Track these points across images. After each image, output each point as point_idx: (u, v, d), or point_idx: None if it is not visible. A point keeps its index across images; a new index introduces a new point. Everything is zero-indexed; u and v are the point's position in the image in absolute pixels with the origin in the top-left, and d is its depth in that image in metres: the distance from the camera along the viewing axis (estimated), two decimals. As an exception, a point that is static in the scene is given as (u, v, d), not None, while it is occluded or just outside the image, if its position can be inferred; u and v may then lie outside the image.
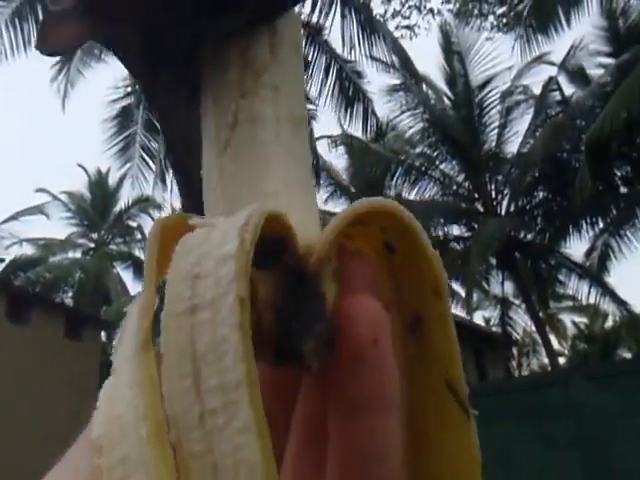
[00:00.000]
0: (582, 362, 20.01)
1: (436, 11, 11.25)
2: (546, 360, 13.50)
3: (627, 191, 10.96)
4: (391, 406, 0.20)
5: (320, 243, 0.22)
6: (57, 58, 8.37)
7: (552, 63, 11.69)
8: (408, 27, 11.04)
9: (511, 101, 11.63)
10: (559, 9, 9.83)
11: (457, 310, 13.26)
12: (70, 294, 16.15)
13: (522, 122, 11.56)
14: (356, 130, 9.93)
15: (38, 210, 16.70)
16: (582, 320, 21.47)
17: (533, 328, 13.07)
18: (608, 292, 11.39)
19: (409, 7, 10.96)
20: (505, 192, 11.70)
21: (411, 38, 11.16)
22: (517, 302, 13.50)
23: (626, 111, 8.81)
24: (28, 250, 17.01)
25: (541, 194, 11.52)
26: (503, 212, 11.58)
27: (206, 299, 0.19)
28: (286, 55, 0.28)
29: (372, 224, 0.23)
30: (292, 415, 0.24)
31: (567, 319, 21.45)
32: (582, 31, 13.57)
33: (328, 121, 12.08)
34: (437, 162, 11.81)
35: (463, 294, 11.96)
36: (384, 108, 11.51)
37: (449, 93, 12.16)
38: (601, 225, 11.03)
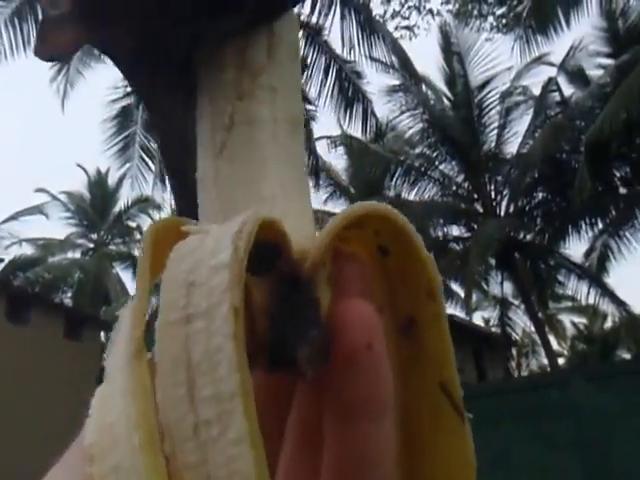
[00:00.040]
0: (581, 363, 20.02)
1: (436, 12, 11.27)
2: (545, 361, 13.50)
3: (626, 192, 10.97)
4: (385, 410, 0.20)
5: (314, 248, 0.22)
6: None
7: (551, 64, 11.71)
8: (408, 28, 11.05)
9: (510, 102, 11.64)
10: (558, 10, 9.83)
11: (456, 310, 13.28)
12: (69, 294, 16.14)
13: (521, 123, 11.59)
14: (355, 130, 9.95)
15: (37, 210, 16.70)
16: (581, 321, 21.50)
17: (532, 329, 13.08)
18: (607, 293, 11.40)
19: (409, 8, 10.97)
20: (504, 193, 11.71)
21: (411, 39, 11.17)
22: (516, 302, 13.52)
23: (625, 112, 8.82)
24: (27, 250, 17.02)
25: (540, 195, 11.52)
26: (502, 213, 11.59)
27: (200, 308, 0.19)
28: (283, 56, 0.28)
29: (366, 227, 0.23)
30: (287, 420, 0.24)
31: (566, 320, 21.48)
32: (581, 32, 13.57)
33: (328, 121, 12.09)
34: (436, 162, 11.82)
35: (462, 294, 11.97)
36: (384, 108, 11.55)
37: (448, 94, 12.17)
38: (600, 226, 11.05)
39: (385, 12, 10.80)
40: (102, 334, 13.12)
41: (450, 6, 11.38)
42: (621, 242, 10.92)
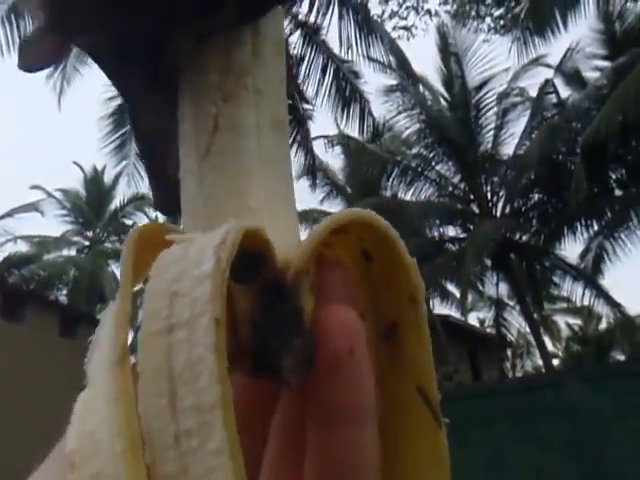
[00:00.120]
0: (576, 364, 20.08)
1: (433, 12, 11.30)
2: (540, 362, 13.52)
3: (622, 194, 11.00)
4: (367, 415, 0.21)
5: (298, 256, 0.22)
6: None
7: (548, 65, 11.74)
8: (405, 28, 11.07)
9: (507, 103, 11.66)
10: (556, 12, 9.85)
11: (452, 311, 13.29)
12: (65, 292, 16.11)
13: (518, 124, 11.61)
14: (353, 130, 9.95)
15: (33, 207, 16.64)
16: (576, 322, 21.56)
17: (527, 329, 13.09)
18: (602, 294, 11.43)
19: (406, 8, 10.99)
20: (501, 194, 11.73)
21: (408, 39, 11.21)
22: (512, 303, 13.53)
23: (622, 114, 8.84)
24: (22, 247, 16.96)
25: (536, 196, 11.55)
26: (498, 213, 11.61)
27: (183, 318, 0.19)
28: (269, 55, 0.28)
29: (351, 232, 0.23)
30: (271, 424, 0.24)
31: (561, 321, 21.53)
32: (579, 34, 13.61)
33: (325, 121, 12.10)
34: (433, 163, 11.83)
35: (458, 295, 11.98)
36: (381, 108, 11.57)
37: (446, 94, 12.18)
38: (596, 227, 11.08)
39: (383, 12, 10.83)
40: (97, 332, 13.06)
41: (448, 7, 11.41)
42: (616, 244, 10.95)
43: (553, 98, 11.44)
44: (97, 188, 17.71)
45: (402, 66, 10.57)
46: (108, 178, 17.35)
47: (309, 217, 11.63)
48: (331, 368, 0.20)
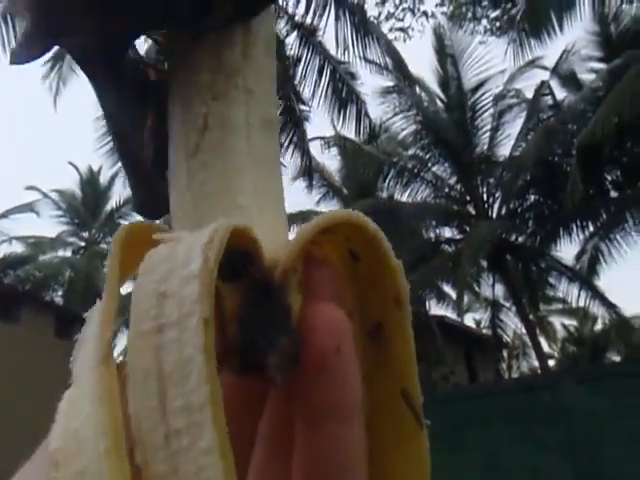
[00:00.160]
0: (572, 365, 20.11)
1: (430, 14, 11.29)
2: (536, 363, 13.54)
3: (617, 195, 11.03)
4: (353, 413, 0.21)
5: (285, 255, 0.22)
6: (49, 55, 8.34)
7: (544, 67, 11.76)
8: (402, 29, 11.06)
9: (503, 104, 11.67)
10: (552, 14, 9.87)
11: (448, 312, 13.30)
12: (60, 293, 16.06)
13: (514, 125, 11.61)
14: (349, 131, 9.93)
15: (28, 208, 16.59)
16: (572, 323, 21.59)
17: (523, 330, 13.13)
18: (598, 295, 11.45)
19: (403, 9, 10.99)
20: (497, 195, 11.74)
21: (405, 40, 11.19)
22: (508, 304, 13.56)
23: (617, 116, 8.86)
24: (18, 248, 16.90)
25: (532, 197, 11.56)
26: (494, 215, 11.62)
27: (172, 318, 0.19)
28: (260, 55, 0.28)
29: (338, 232, 0.23)
30: (259, 422, 0.24)
31: (557, 322, 21.57)
32: (574, 36, 13.67)
33: (321, 122, 12.05)
34: (429, 164, 11.84)
35: (454, 296, 11.99)
36: (377, 110, 11.56)
37: (442, 96, 12.19)
38: (591, 229, 11.09)
39: (379, 14, 10.82)
40: (93, 333, 13.04)
41: (444, 8, 11.42)
42: (612, 245, 10.97)
43: (549, 100, 11.47)
44: (93, 189, 17.68)
45: (398, 67, 10.58)
46: (104, 179, 17.34)
47: (305, 218, 11.61)
48: (318, 366, 0.20)
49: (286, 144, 8.79)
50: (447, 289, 12.76)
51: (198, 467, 0.18)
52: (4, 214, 16.14)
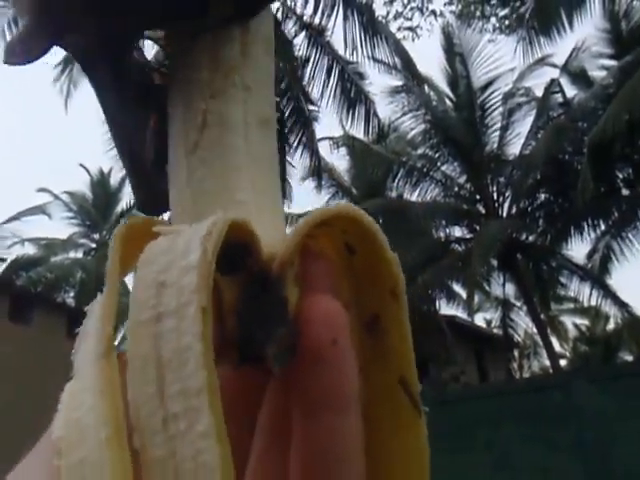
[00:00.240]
0: (583, 364, 19.97)
1: (438, 13, 11.28)
2: (547, 362, 13.47)
3: (629, 193, 10.94)
4: (350, 404, 0.21)
5: (283, 248, 0.22)
6: (60, 58, 8.39)
7: (554, 65, 11.70)
8: (410, 29, 11.06)
9: (513, 103, 11.62)
10: (561, 11, 9.82)
11: (458, 312, 13.24)
12: (72, 294, 16.15)
13: (524, 124, 11.56)
14: (358, 131, 9.93)
15: (40, 210, 16.70)
16: (583, 322, 21.44)
17: (534, 330, 13.04)
18: (610, 294, 11.37)
19: (411, 9, 10.98)
20: (507, 194, 11.69)
21: (413, 40, 11.19)
22: (518, 304, 13.48)
23: (628, 113, 8.80)
24: (30, 250, 17.01)
25: (543, 196, 11.50)
26: (505, 214, 11.57)
27: (171, 307, 0.19)
28: (259, 52, 0.28)
29: (335, 226, 0.24)
30: (258, 414, 0.24)
31: (568, 321, 21.42)
32: (584, 33, 13.55)
33: (330, 122, 12.05)
34: (439, 164, 11.80)
35: (464, 296, 11.95)
36: (386, 109, 11.54)
37: (451, 95, 12.16)
38: (603, 227, 11.02)
39: (388, 13, 10.82)
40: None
41: (453, 7, 11.39)
42: (623, 244, 10.90)
43: (559, 98, 11.40)
44: (103, 190, 17.77)
45: (407, 67, 10.56)
46: (114, 180, 17.41)
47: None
48: (314, 357, 0.20)
49: (295, 144, 8.80)
50: (457, 289, 12.72)
51: (195, 450, 0.18)
52: (16, 216, 16.26)
